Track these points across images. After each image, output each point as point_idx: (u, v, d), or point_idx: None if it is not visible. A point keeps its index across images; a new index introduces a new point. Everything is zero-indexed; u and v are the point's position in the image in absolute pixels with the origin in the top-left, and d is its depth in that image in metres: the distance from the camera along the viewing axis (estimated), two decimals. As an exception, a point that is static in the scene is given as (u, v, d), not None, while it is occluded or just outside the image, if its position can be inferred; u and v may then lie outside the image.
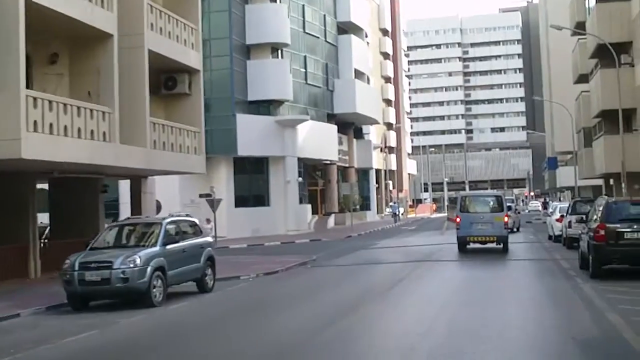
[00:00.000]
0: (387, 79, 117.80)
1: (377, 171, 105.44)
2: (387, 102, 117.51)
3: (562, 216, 32.32)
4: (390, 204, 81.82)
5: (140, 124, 27.05)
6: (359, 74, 69.40)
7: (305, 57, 60.28)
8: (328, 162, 64.25)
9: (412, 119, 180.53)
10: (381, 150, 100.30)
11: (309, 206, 61.24)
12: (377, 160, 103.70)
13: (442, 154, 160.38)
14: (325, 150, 61.00)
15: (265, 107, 55.55)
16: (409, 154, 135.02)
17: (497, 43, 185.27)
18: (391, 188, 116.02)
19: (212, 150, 52.71)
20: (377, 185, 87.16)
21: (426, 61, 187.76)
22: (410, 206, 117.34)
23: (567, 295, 17.65)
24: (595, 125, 51.36)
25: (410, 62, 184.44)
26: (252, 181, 55.86)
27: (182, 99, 32.86)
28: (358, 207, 72.09)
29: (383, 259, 30.44)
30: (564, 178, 76.21)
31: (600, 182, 61.50)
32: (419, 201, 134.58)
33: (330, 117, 64.16)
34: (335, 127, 63.12)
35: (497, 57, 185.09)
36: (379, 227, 61.36)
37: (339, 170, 71.55)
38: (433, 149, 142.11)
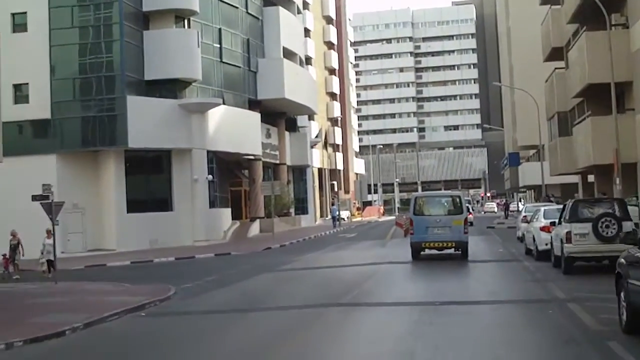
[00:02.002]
0: (331, 71, 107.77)
1: (320, 170, 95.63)
2: (332, 95, 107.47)
3: (551, 224, 22.00)
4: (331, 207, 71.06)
5: None
6: (289, 55, 58.78)
7: (220, 30, 49.60)
8: (251, 157, 53.63)
9: (362, 117, 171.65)
10: (324, 147, 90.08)
11: (227, 210, 50.78)
12: (320, 159, 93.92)
13: (394, 153, 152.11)
14: (246, 142, 50.37)
15: (168, 88, 44.96)
16: (356, 153, 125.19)
17: (450, 37, 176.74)
18: (336, 189, 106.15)
19: (96, 142, 42.15)
20: (316, 186, 76.65)
21: (376, 56, 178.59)
22: (358, 209, 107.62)
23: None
24: (574, 108, 41.60)
25: (359, 58, 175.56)
26: (150, 180, 45.19)
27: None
28: (290, 210, 61.54)
29: (278, 295, 19.53)
30: (529, 175, 66.57)
31: (574, 178, 52.03)
32: (368, 203, 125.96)
33: (254, 104, 53.53)
34: (259, 115, 52.42)
35: (450, 52, 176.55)
36: (312, 234, 50.92)
37: (268, 168, 61.03)
38: (381, 146, 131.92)
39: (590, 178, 46.43)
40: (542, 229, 23.59)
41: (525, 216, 33.31)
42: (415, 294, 18.03)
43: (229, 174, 55.96)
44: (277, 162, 60.74)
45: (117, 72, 42.18)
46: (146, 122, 42.46)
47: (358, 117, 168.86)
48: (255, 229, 52.26)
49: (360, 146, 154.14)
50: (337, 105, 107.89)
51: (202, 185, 44.75)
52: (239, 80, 51.82)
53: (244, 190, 56.32)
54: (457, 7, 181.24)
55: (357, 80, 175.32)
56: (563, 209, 20.95)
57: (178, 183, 44.50)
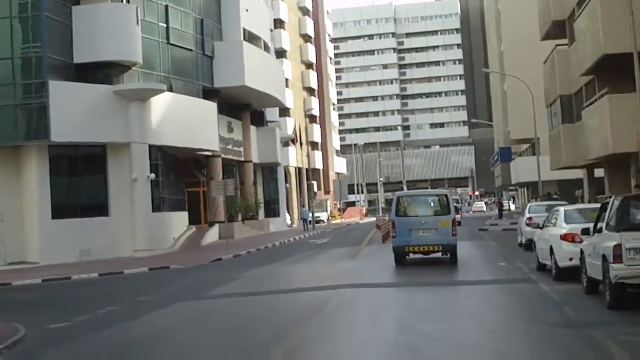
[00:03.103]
0: (308, 65, 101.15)
1: (299, 170, 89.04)
2: (309, 90, 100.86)
3: (583, 232, 15.11)
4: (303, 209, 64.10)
5: None
6: (252, 39, 51.85)
7: (167, 7, 42.72)
8: (207, 153, 46.81)
9: (344, 115, 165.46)
10: (296, 143, 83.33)
11: (181, 214, 44.04)
12: (298, 157, 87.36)
13: (377, 152, 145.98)
14: (200, 136, 43.45)
15: (103, 73, 38.12)
16: (337, 151, 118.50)
17: (434, 33, 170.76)
18: (315, 189, 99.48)
19: (14, 136, 35.41)
20: (288, 186, 69.89)
21: (358, 53, 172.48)
22: (339, 210, 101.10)
23: None
24: (582, 89, 35.11)
25: (340, 55, 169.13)
26: (82, 180, 38.22)
27: None
28: (257, 213, 54.70)
29: (165, 350, 12.71)
30: (523, 172, 60.09)
31: (575, 173, 45.85)
32: (352, 204, 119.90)
33: (211, 93, 46.67)
34: (214, 105, 45.47)
35: (434, 47, 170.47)
36: (279, 240, 44.15)
37: (233, 166, 54.29)
38: (362, 144, 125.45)
39: (598, 172, 40.04)
40: (565, 237, 16.88)
41: (530, 218, 26.69)
42: (377, 355, 11.16)
43: (185, 172, 49.18)
44: (242, 159, 53.91)
45: (38, 54, 35.26)
46: (74, 112, 35.61)
47: (340, 115, 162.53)
48: (212, 235, 45.46)
49: (342, 145, 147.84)
50: (315, 100, 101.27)
51: (143, 186, 37.86)
52: (191, 65, 44.93)
53: (203, 192, 49.47)
54: (441, 1, 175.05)
55: (339, 78, 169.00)
56: (603, 210, 14.12)
57: (115, 183, 37.62)
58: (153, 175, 38.18)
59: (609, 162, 34.15)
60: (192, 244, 42.52)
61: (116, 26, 37.59)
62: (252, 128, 56.23)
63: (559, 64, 38.03)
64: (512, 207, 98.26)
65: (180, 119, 41.06)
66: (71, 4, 37.38)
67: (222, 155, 49.22)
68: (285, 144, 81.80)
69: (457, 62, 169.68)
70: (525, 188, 78.81)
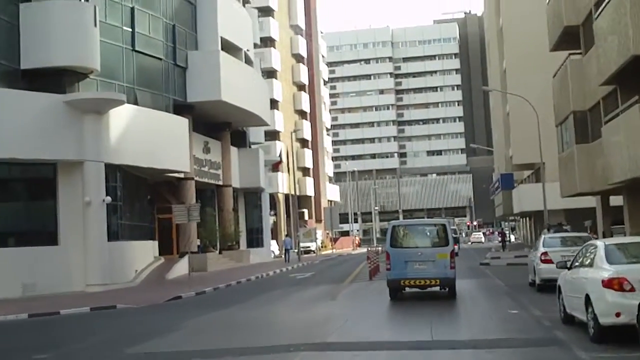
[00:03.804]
0: (300, 87, 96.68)
1: (288, 197, 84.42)
2: (301, 113, 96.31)
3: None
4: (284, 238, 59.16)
5: None
6: (231, 49, 47.20)
7: (132, 9, 38.11)
8: (178, 175, 42.12)
9: (340, 142, 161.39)
10: (284, 168, 78.56)
11: (148, 244, 39.45)
12: (289, 184, 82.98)
13: (373, 179, 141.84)
14: (168, 155, 38.62)
15: (54, 81, 33.36)
16: (330, 178, 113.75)
17: (432, 57, 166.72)
18: (307, 217, 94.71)
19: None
20: (273, 213, 65.11)
21: (354, 77, 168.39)
22: (332, 240, 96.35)
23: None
24: (599, 102, 30.57)
25: (336, 79, 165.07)
26: (26, 204, 33.46)
27: None
28: (236, 243, 49.90)
29: None
30: (527, 200, 55.48)
31: (585, 202, 41.58)
32: (346, 233, 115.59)
33: (184, 109, 42.03)
34: (186, 121, 40.70)
35: (432, 72, 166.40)
36: (256, 274, 39.27)
37: (212, 191, 49.67)
38: (354, 169, 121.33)
39: (614, 200, 35.47)
40: (609, 284, 12.13)
41: (545, 253, 21.98)
42: None
43: (157, 197, 44.52)
44: (220, 183, 49.20)
45: (-25, 57, 30.70)
46: (18, 124, 30.94)
47: (335, 141, 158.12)
48: (181, 267, 40.59)
49: (337, 173, 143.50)
50: (307, 124, 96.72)
51: (98, 211, 33.00)
52: (160, 76, 40.27)
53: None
54: (440, 25, 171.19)
55: (334, 103, 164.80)
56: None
57: (66, 208, 32.78)
58: (109, 199, 33.31)
59: (629, 188, 29.59)
60: (158, 277, 37.70)
61: (70, 27, 32.91)
62: (233, 149, 51.61)
63: (572, 76, 33.50)
64: (512, 237, 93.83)
65: (146, 135, 36.35)
66: (19, 0, 32.80)
67: (197, 178, 44.59)
68: (275, 169, 77.28)
69: (455, 87, 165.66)
70: (528, 218, 74.17)
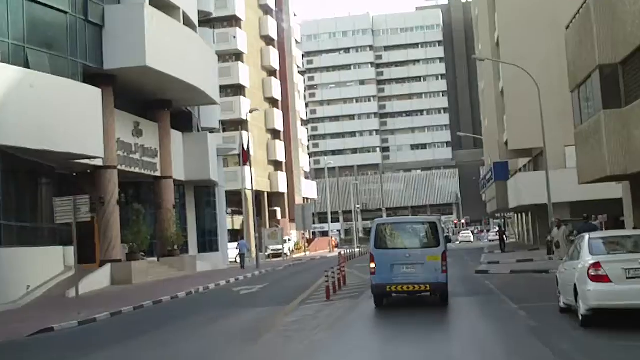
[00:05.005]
0: (270, 72, 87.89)
1: (260, 194, 76.07)
2: (272, 101, 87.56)
3: None
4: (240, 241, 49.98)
5: None
6: (165, 7, 38.23)
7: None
8: (99, 163, 33.32)
9: (319, 136, 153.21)
10: (246, 160, 69.78)
11: (44, 251, 30.60)
12: (261, 180, 74.81)
13: (354, 176, 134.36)
14: (72, 136, 29.77)
15: None
16: (306, 174, 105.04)
17: (415, 45, 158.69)
18: (279, 217, 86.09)
19: None
20: (230, 212, 56.35)
21: (333, 68, 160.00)
22: (308, 241, 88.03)
23: None
24: (637, 50, 22.13)
25: (314, 70, 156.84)
26: None
27: None
28: (176, 248, 41.06)
29: None
30: (527, 191, 47.01)
31: (597, 193, 33.44)
32: (326, 233, 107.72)
33: (101, 79, 33.16)
34: (99, 92, 31.73)
35: (415, 61, 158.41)
36: (192, 287, 30.51)
37: (148, 184, 41.00)
38: (331, 162, 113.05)
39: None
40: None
41: (597, 264, 13.14)
42: None
43: (74, 191, 35.60)
44: (157, 174, 40.44)
45: None
46: None
47: (314, 136, 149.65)
48: (100, 279, 31.85)
49: (316, 169, 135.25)
50: (278, 113, 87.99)
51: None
52: (64, 34, 31.33)
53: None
54: (422, 12, 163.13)
55: (313, 95, 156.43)
56: None
57: None
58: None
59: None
60: (58, 295, 28.94)
61: None
62: (176, 134, 42.86)
63: (598, 18, 24.99)
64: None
65: (37, 109, 27.55)
66: None
67: (122, 167, 35.79)
68: (244, 162, 68.73)
69: (439, 77, 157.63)
70: (524, 214, 65.77)
